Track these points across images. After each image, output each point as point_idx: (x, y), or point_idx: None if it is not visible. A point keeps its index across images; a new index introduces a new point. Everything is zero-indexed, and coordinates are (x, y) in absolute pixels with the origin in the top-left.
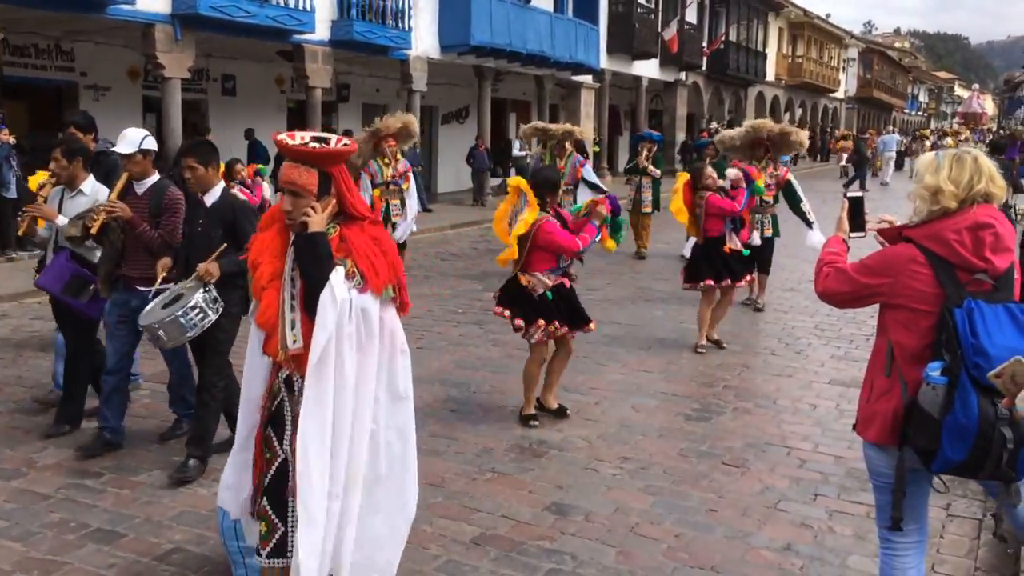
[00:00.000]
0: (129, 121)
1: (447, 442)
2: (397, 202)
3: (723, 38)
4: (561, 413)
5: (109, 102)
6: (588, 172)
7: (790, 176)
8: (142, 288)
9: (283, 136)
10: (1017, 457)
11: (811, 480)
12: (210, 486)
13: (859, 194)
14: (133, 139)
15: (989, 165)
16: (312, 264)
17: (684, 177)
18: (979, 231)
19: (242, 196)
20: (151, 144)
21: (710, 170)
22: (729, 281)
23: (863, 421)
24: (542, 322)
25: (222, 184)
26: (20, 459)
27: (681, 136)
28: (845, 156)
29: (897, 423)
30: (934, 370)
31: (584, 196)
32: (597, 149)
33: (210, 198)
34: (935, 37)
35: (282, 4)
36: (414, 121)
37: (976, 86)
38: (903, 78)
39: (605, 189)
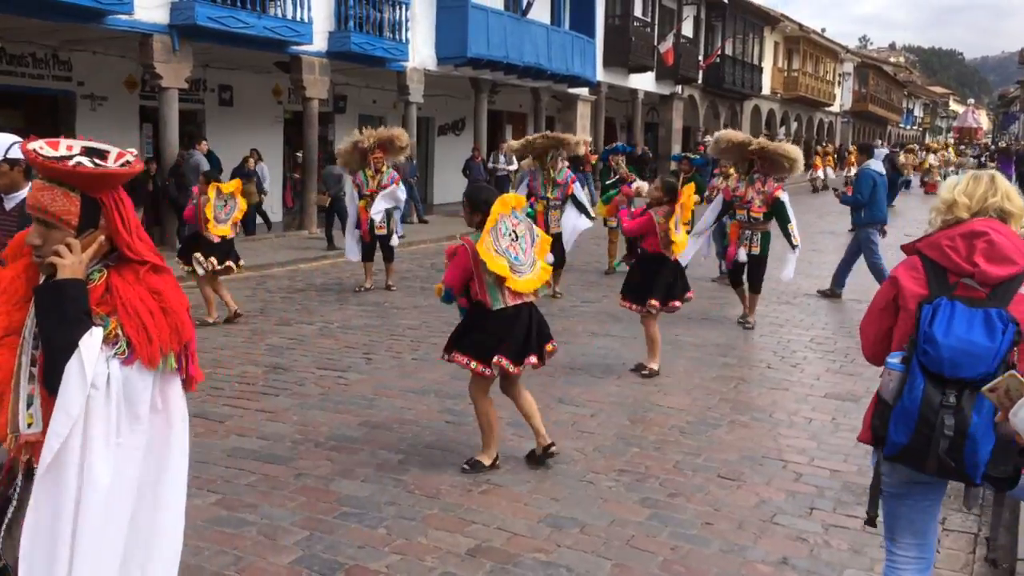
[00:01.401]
0: (127, 131)
1: (442, 454)
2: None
3: (719, 52)
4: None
5: (106, 112)
6: (579, 191)
7: (780, 194)
8: None
9: (35, 145)
10: (962, 449)
11: (807, 494)
12: (204, 496)
13: None
14: None
15: (1007, 185)
16: (54, 324)
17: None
18: (973, 239)
19: None
20: (19, 152)
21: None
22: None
23: (864, 425)
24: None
25: None
26: None
27: (677, 148)
28: (811, 172)
29: None
30: (894, 358)
31: (571, 215)
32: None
33: None
34: (930, 52)
35: (280, 15)
36: (403, 134)
37: (971, 101)
38: (898, 92)
39: (593, 215)
